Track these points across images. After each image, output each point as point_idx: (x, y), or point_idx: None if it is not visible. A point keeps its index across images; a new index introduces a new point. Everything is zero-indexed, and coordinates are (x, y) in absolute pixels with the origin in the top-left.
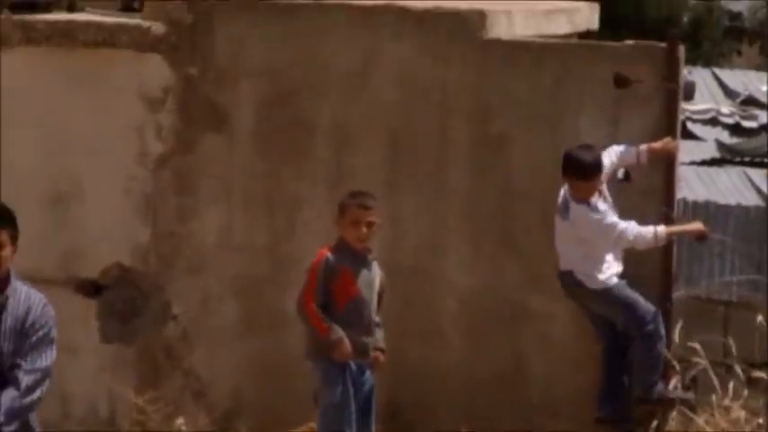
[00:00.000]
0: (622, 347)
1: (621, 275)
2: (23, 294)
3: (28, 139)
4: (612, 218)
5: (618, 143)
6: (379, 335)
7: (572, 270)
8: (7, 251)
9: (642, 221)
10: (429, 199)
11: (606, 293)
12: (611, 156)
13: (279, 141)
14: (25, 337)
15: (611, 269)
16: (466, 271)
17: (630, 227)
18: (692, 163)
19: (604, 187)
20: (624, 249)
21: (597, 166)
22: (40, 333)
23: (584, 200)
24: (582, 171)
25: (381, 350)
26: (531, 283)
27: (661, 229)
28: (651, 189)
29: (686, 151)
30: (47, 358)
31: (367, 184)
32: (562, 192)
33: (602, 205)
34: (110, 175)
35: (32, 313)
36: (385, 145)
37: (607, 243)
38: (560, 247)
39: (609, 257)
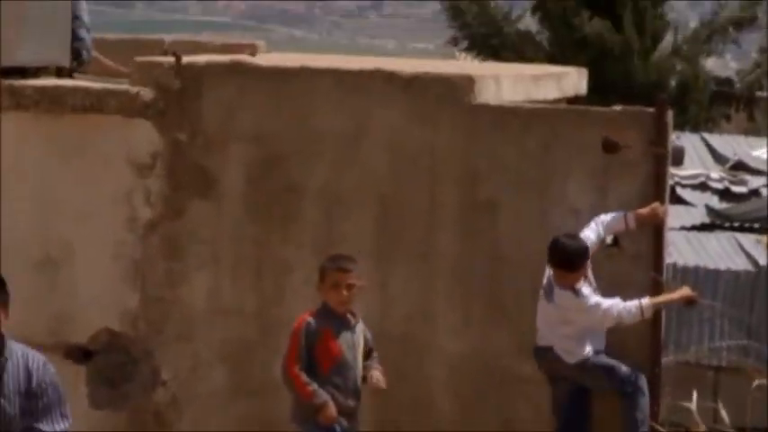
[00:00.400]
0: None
1: (609, 342)
2: (21, 355)
3: (17, 203)
4: (596, 299)
5: (606, 208)
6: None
7: (552, 346)
8: None
9: (631, 287)
10: (418, 264)
11: (584, 364)
12: (598, 227)
13: (268, 206)
14: (34, 398)
15: (590, 344)
16: (455, 336)
17: (615, 305)
18: (682, 228)
19: (589, 271)
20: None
21: (583, 257)
22: (50, 393)
23: (570, 286)
24: (568, 262)
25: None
26: (521, 348)
27: (646, 302)
28: (640, 254)
29: (675, 216)
30: (64, 421)
31: (356, 249)
32: (547, 274)
33: (585, 289)
34: (99, 241)
35: (35, 374)
36: (374, 210)
37: (593, 323)
38: (542, 326)
39: (590, 335)
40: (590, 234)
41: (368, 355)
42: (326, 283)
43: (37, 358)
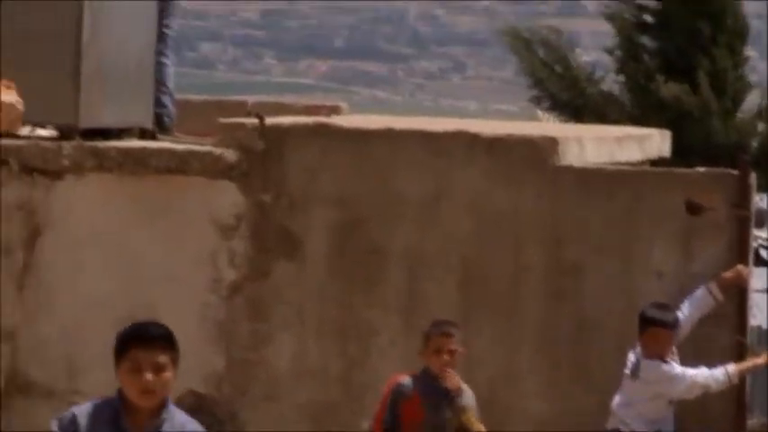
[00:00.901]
0: None
1: (692, 408)
2: (180, 420)
3: (102, 266)
4: (683, 368)
5: (690, 270)
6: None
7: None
8: (169, 374)
9: (715, 349)
10: (502, 326)
11: None
12: (684, 312)
13: (351, 268)
14: None
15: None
16: (539, 398)
17: (701, 373)
18: (766, 290)
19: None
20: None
21: (674, 323)
22: None
23: (658, 355)
24: (659, 328)
25: None
26: (605, 411)
27: (732, 368)
28: (723, 316)
29: (759, 278)
30: None
31: (440, 312)
32: (632, 355)
33: (672, 360)
34: (183, 302)
35: None
36: (458, 272)
37: (681, 393)
38: (618, 408)
39: (663, 419)
40: (679, 315)
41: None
42: (429, 348)
43: (196, 426)
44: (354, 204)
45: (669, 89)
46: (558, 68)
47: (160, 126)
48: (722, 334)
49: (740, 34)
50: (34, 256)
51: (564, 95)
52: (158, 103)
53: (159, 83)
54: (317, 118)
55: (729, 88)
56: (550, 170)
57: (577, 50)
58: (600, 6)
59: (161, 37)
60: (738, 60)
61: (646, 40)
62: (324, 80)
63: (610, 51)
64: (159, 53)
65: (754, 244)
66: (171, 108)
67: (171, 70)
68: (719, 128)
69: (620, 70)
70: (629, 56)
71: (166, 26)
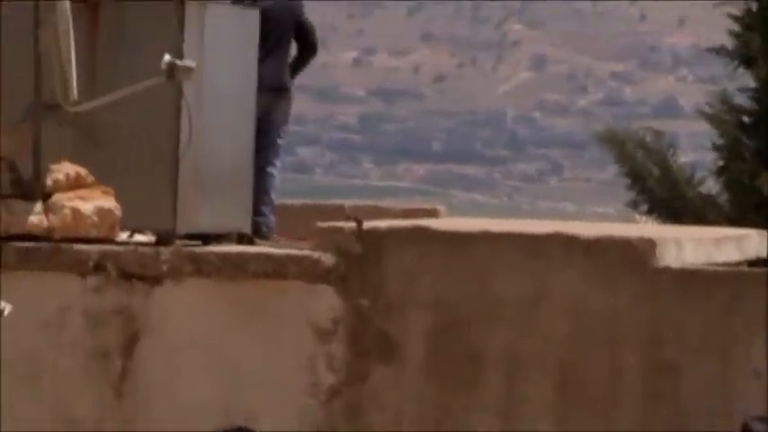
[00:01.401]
0: None
1: None
2: None
3: (201, 371)
4: None
5: None
6: None
7: None
8: None
9: None
10: (601, 429)
11: None
12: None
13: (449, 372)
14: None
15: None
16: None
17: None
18: None
19: None
20: None
21: None
22: None
23: None
24: None
25: None
26: None
27: None
28: None
29: None
30: None
31: (538, 414)
32: None
33: None
34: (282, 407)
35: None
36: (555, 374)
37: None
38: None
39: None
40: None
41: None
42: None
43: None
44: (452, 307)
45: None
46: (656, 170)
47: (258, 235)
48: None
49: None
50: (133, 362)
51: (663, 197)
52: (258, 212)
53: (262, 192)
54: (415, 221)
55: None
56: (648, 272)
57: (677, 151)
58: (697, 106)
59: (272, 146)
60: None
61: (746, 140)
62: (421, 183)
63: (717, 149)
64: (268, 162)
65: None
66: (270, 218)
67: (276, 180)
68: None
69: (721, 171)
70: (731, 155)
71: (280, 136)
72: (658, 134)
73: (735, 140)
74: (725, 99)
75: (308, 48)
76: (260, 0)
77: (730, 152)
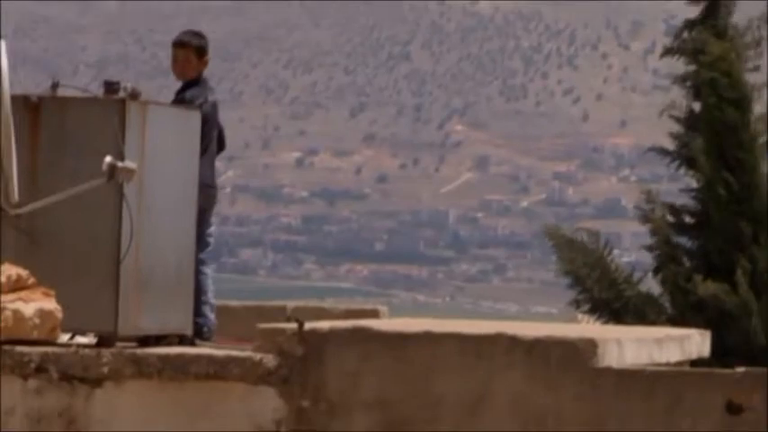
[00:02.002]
0: None
1: None
2: None
3: None
4: None
5: None
6: None
7: None
8: None
9: None
10: None
11: None
12: None
13: None
14: None
15: None
16: None
17: None
18: None
19: None
20: None
21: None
22: None
23: None
24: None
25: None
26: None
27: None
28: None
29: None
30: None
31: None
32: None
33: None
34: None
35: None
36: None
37: None
38: None
39: None
40: None
41: None
42: None
43: None
44: (395, 408)
45: (707, 288)
46: (596, 270)
47: (199, 336)
48: None
49: None
50: None
51: (603, 297)
52: (198, 313)
53: (199, 292)
54: (357, 322)
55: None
56: (590, 371)
57: (616, 251)
58: (638, 207)
59: (201, 246)
60: None
61: (684, 241)
62: (364, 284)
63: (649, 250)
64: (200, 262)
65: None
66: (210, 318)
67: (210, 280)
68: (760, 328)
69: (658, 271)
70: (667, 257)
71: (208, 235)
72: (594, 234)
73: (668, 242)
74: (653, 199)
75: (223, 147)
76: (202, 103)
77: (664, 253)
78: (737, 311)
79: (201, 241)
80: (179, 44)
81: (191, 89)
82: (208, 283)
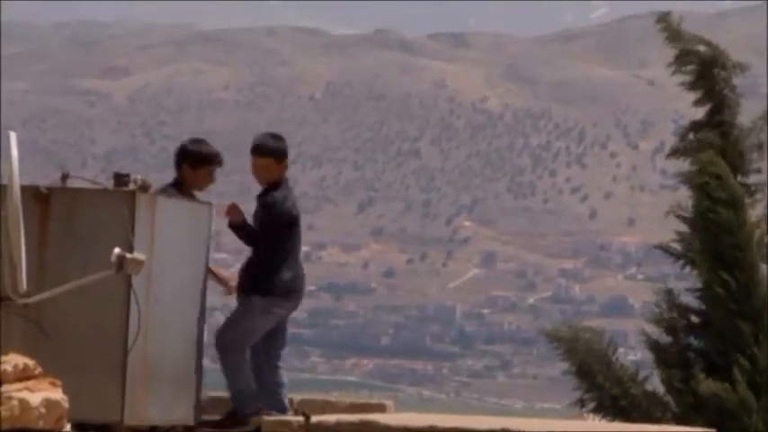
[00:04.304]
0: None
1: None
2: None
3: None
4: None
5: None
6: None
7: None
8: None
9: None
10: None
11: None
12: None
13: None
14: None
15: None
16: None
17: None
18: None
19: None
20: None
21: None
22: None
23: None
24: None
25: None
26: None
27: None
28: None
29: None
30: None
31: None
32: None
33: None
34: None
35: None
36: None
37: None
38: None
39: None
40: None
41: None
42: None
43: None
44: None
45: (708, 387)
46: (601, 368)
47: None
48: None
49: None
50: None
51: (608, 395)
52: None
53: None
54: (363, 415)
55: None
56: None
57: (621, 350)
58: (645, 305)
59: (281, 346)
60: None
61: (690, 340)
62: (369, 378)
63: (655, 350)
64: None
65: None
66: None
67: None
68: (760, 426)
69: (662, 369)
70: (673, 356)
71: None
72: (597, 333)
73: (675, 341)
74: (672, 300)
75: None
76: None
77: (671, 353)
78: (737, 410)
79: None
80: (257, 151)
81: (275, 191)
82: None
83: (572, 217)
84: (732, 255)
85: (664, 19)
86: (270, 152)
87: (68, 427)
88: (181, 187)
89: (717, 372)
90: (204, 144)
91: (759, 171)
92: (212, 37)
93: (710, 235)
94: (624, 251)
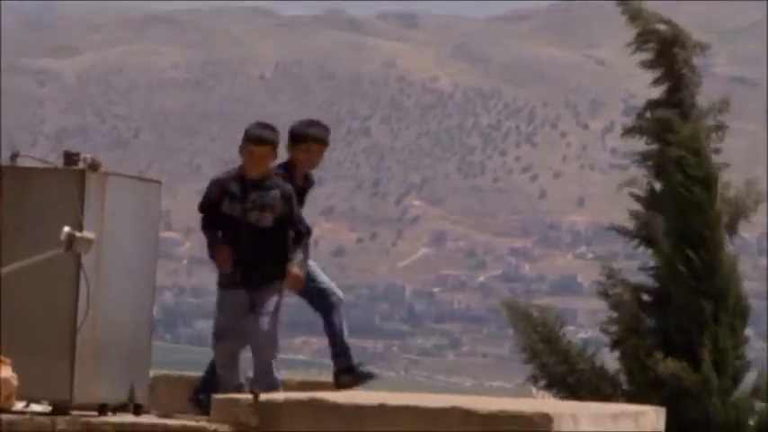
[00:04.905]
0: None
1: None
2: None
3: None
4: None
5: None
6: None
7: None
8: None
9: None
10: None
11: None
12: None
13: None
14: None
15: None
16: None
17: None
18: None
19: None
20: None
21: None
22: None
23: None
24: None
25: None
26: None
27: None
28: None
29: None
30: None
31: None
32: None
33: None
34: None
35: None
36: None
37: None
38: None
39: None
40: None
41: None
42: None
43: None
44: None
45: (668, 366)
46: (549, 345)
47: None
48: None
49: (741, 314)
50: None
51: (558, 371)
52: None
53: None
54: (312, 393)
55: (729, 367)
56: None
57: (571, 328)
58: (595, 284)
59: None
60: (738, 340)
61: (644, 318)
62: (319, 356)
63: (605, 329)
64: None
65: None
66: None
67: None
68: (718, 406)
69: (617, 344)
70: (629, 331)
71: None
72: (547, 310)
73: (632, 317)
74: (614, 275)
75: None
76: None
77: (626, 327)
78: (697, 389)
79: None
80: (258, 140)
81: (280, 185)
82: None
83: (522, 196)
84: (699, 233)
85: None
86: (269, 142)
87: (18, 404)
88: (292, 168)
89: (675, 351)
90: (313, 125)
91: (719, 152)
92: (163, 17)
93: (679, 212)
94: (574, 230)
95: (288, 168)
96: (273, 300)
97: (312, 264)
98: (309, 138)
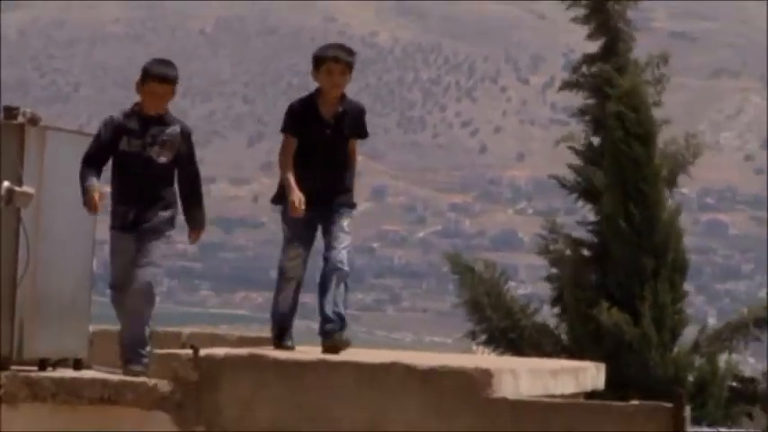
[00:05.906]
0: None
1: None
2: None
3: None
4: None
5: None
6: None
7: None
8: None
9: None
10: None
11: None
12: None
13: None
14: None
15: None
16: None
17: None
18: None
19: None
20: None
21: None
22: None
23: None
24: None
25: None
26: None
27: None
28: None
29: None
30: None
31: None
32: None
33: None
34: None
35: None
36: None
37: None
38: None
39: None
40: None
41: None
42: None
43: None
44: None
45: (611, 317)
46: (491, 300)
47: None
48: None
49: (681, 269)
50: None
51: (500, 326)
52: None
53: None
54: (252, 349)
55: (668, 322)
56: (485, 402)
57: (512, 283)
58: (535, 239)
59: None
60: (678, 295)
61: (585, 272)
62: (260, 311)
63: (549, 280)
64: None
65: None
66: None
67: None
68: (658, 361)
69: (558, 299)
70: (570, 284)
71: None
72: (490, 265)
73: (573, 271)
74: (556, 230)
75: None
76: None
77: (567, 281)
78: (637, 343)
79: None
80: (162, 79)
81: (179, 121)
82: None
83: (462, 151)
84: (638, 188)
85: None
86: (172, 80)
87: None
88: (319, 95)
89: (616, 305)
90: (331, 47)
91: (659, 105)
92: None
93: (618, 167)
94: (514, 185)
95: (315, 97)
96: (157, 248)
97: (345, 224)
98: (327, 59)
